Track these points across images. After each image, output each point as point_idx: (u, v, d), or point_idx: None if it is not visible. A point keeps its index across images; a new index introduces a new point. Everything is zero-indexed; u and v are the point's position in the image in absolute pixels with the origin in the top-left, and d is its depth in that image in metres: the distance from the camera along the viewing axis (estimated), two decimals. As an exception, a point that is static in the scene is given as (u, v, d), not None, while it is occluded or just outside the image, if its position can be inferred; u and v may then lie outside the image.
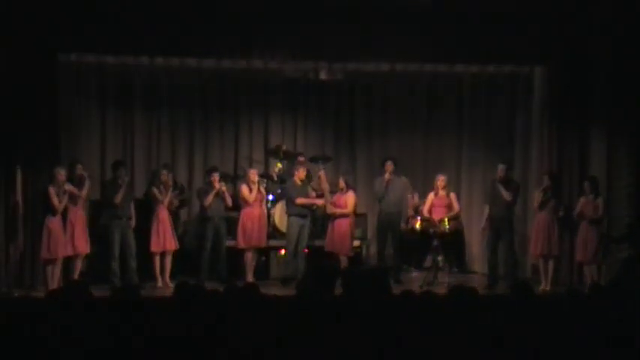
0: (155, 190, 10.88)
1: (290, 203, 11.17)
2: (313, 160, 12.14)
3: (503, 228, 10.90)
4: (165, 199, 10.86)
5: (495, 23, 10.79)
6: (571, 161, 11.46)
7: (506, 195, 10.92)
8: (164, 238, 10.83)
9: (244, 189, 11.16)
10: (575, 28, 10.91)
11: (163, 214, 10.83)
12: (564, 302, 6.37)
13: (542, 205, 10.84)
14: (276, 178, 12.17)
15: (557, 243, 10.88)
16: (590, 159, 11.41)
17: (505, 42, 10.89)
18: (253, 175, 11.14)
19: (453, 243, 11.89)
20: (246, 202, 11.06)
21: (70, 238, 10.33)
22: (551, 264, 10.88)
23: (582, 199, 10.78)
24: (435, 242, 11.36)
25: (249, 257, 11.19)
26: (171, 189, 11.03)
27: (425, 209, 11.51)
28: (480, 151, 12.63)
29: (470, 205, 12.40)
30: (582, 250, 10.72)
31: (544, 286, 10.75)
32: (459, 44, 10.89)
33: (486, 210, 11.18)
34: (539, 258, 10.97)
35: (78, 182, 10.57)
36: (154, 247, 10.81)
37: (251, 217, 11.12)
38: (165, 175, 11.03)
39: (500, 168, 11.02)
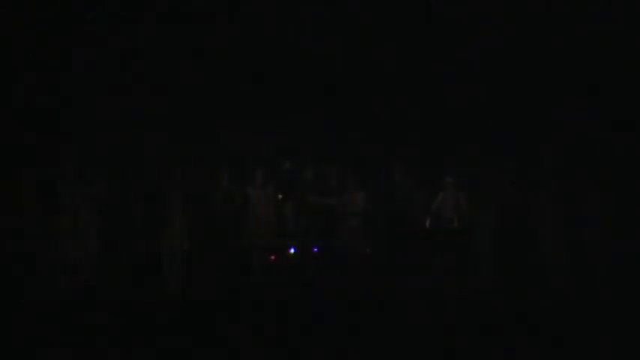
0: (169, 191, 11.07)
1: (300, 202, 11.26)
2: (322, 160, 12.23)
3: None
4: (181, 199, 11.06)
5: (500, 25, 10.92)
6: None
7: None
8: (178, 238, 10.99)
9: (251, 189, 11.25)
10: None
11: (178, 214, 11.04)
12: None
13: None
14: (286, 178, 12.25)
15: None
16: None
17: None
18: (260, 175, 11.27)
19: (462, 242, 11.97)
20: (252, 202, 11.22)
21: (80, 237, 10.47)
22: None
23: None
24: (444, 241, 11.47)
25: (257, 257, 11.31)
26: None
27: (434, 208, 11.62)
28: (487, 151, 12.67)
29: (477, 206, 12.38)
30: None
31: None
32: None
33: None
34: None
35: (90, 181, 10.72)
36: (168, 245, 10.93)
37: (258, 217, 11.26)
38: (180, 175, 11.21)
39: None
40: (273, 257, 11.66)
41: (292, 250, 11.46)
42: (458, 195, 11.41)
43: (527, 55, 11.48)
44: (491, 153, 12.65)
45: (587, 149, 11.59)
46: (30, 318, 7.27)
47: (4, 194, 10.37)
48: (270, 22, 11.04)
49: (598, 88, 11.53)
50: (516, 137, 12.69)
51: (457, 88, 12.75)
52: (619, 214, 11.11)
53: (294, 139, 12.86)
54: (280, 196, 11.85)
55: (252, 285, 10.47)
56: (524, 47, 11.34)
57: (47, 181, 10.31)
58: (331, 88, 12.40)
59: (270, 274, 11.15)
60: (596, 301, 9.59)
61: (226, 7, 10.92)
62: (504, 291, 10.38)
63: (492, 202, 11.30)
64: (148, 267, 10.80)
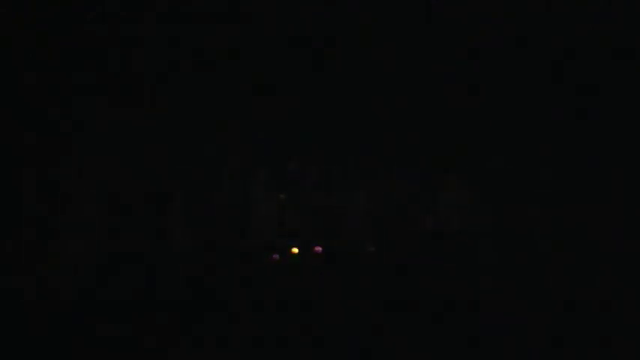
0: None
1: (302, 202, 11.32)
2: (323, 159, 12.23)
3: None
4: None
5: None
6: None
7: None
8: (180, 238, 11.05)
9: (253, 188, 11.29)
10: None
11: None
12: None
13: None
14: (288, 177, 12.26)
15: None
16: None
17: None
18: (262, 174, 11.31)
19: (463, 243, 11.99)
20: (256, 201, 11.19)
21: (82, 237, 10.47)
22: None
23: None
24: (446, 241, 11.49)
25: (261, 256, 11.28)
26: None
27: (435, 209, 11.65)
28: (488, 151, 12.69)
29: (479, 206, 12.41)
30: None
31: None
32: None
33: None
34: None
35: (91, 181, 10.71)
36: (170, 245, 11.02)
37: (261, 216, 11.22)
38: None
39: None
40: (275, 256, 11.70)
41: (295, 250, 11.51)
42: (459, 195, 11.44)
43: (527, 55, 11.49)
44: (492, 153, 12.70)
45: (588, 150, 11.63)
46: (31, 318, 7.26)
47: (5, 194, 10.38)
48: (270, 22, 11.05)
49: (598, 89, 11.55)
50: (516, 137, 12.74)
51: (457, 88, 12.77)
52: (620, 215, 11.15)
53: (294, 139, 12.88)
54: (282, 196, 11.89)
55: (255, 284, 10.50)
56: (524, 47, 11.35)
57: (48, 181, 10.32)
58: (331, 88, 12.40)
59: (272, 274, 11.22)
60: (597, 301, 9.60)
61: (226, 7, 10.93)
62: (504, 292, 10.40)
63: (494, 202, 11.33)
64: (149, 267, 10.85)
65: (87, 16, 10.71)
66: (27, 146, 10.44)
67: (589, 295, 10.12)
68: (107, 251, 10.80)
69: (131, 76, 12.64)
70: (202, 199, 12.34)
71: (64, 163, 10.62)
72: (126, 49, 11.10)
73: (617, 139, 11.55)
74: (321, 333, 6.57)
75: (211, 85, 13.01)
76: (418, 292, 7.35)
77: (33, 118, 10.51)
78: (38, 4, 10.42)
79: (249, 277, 11.15)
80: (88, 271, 10.69)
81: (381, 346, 6.28)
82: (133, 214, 10.74)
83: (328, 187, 11.66)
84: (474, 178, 13.41)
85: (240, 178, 11.92)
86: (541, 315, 8.75)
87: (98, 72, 12.28)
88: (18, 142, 10.37)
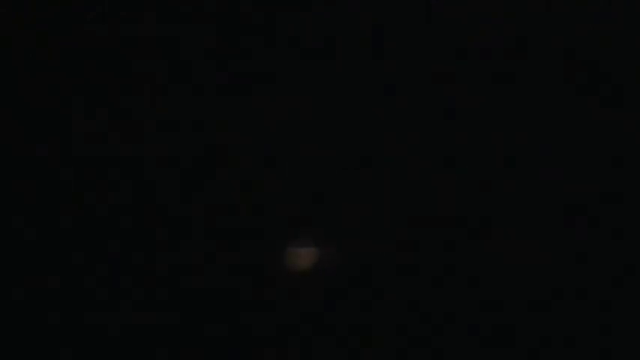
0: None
1: (309, 201, 11.38)
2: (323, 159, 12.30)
3: None
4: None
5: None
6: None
7: None
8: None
9: (257, 189, 11.34)
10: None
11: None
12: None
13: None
14: (289, 177, 12.32)
15: None
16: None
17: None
18: (263, 174, 11.37)
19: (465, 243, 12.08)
20: (260, 203, 11.24)
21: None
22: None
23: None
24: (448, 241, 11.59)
25: (270, 260, 11.31)
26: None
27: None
28: (487, 151, 12.75)
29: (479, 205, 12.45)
30: None
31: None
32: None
33: None
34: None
35: (91, 182, 10.76)
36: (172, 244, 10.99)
37: (267, 219, 11.26)
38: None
39: None
40: (288, 261, 11.74)
41: (308, 253, 11.55)
42: (459, 194, 11.49)
43: (527, 55, 11.54)
44: (492, 153, 12.74)
45: (588, 150, 11.68)
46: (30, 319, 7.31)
47: (5, 195, 10.42)
48: (270, 22, 11.10)
49: (598, 89, 11.59)
50: (516, 137, 12.78)
51: (457, 88, 12.79)
52: (620, 215, 11.20)
53: (294, 138, 12.92)
54: (287, 198, 11.93)
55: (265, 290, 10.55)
56: (524, 47, 11.41)
57: (48, 181, 10.38)
58: (331, 88, 12.43)
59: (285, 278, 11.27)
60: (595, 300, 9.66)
61: (226, 7, 10.98)
62: (505, 291, 10.47)
63: (494, 202, 11.39)
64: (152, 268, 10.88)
65: (87, 16, 10.76)
66: (27, 146, 10.49)
67: (588, 295, 10.21)
68: (108, 252, 10.85)
69: (131, 76, 12.68)
70: (203, 200, 12.38)
71: (64, 162, 10.66)
72: (126, 49, 11.14)
73: (617, 139, 11.60)
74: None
75: (211, 85, 13.04)
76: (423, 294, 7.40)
77: (33, 118, 10.56)
78: (38, 4, 10.48)
79: (260, 281, 11.21)
80: (90, 271, 10.74)
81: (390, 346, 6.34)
82: (134, 215, 10.78)
83: (328, 187, 11.70)
84: (474, 177, 13.46)
85: (242, 179, 11.94)
86: (541, 315, 8.82)
87: (98, 72, 12.32)
88: (18, 142, 10.43)
